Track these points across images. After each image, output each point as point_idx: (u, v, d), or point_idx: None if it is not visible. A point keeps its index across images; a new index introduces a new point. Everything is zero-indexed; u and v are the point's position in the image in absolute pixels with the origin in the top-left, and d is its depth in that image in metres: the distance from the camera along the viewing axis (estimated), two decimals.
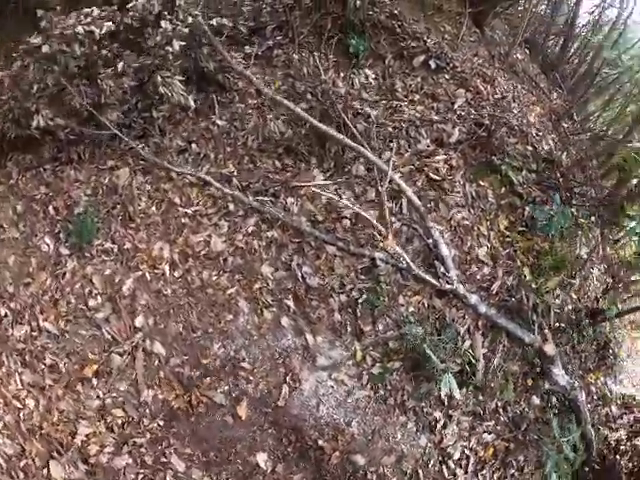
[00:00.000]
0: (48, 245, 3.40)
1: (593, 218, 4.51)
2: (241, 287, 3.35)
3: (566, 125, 5.28)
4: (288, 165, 4.01)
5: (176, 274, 3.33)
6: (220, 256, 3.51)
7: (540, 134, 4.75)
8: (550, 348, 3.39)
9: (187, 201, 3.69)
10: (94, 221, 3.47)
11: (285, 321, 3.31)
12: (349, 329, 3.38)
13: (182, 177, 3.76)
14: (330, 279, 3.50)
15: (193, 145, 4.06)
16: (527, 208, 4.12)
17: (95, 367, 3.06)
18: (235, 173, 3.88)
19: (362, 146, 3.76)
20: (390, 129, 4.15)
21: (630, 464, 3.66)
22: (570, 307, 3.95)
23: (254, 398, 3.22)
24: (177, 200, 3.68)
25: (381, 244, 3.52)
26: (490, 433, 3.47)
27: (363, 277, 3.52)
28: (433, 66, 4.66)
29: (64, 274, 3.29)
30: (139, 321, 3.13)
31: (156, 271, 3.32)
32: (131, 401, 3.07)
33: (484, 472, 3.41)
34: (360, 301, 3.42)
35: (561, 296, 3.90)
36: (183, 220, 3.58)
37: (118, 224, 3.53)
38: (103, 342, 3.13)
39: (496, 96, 4.71)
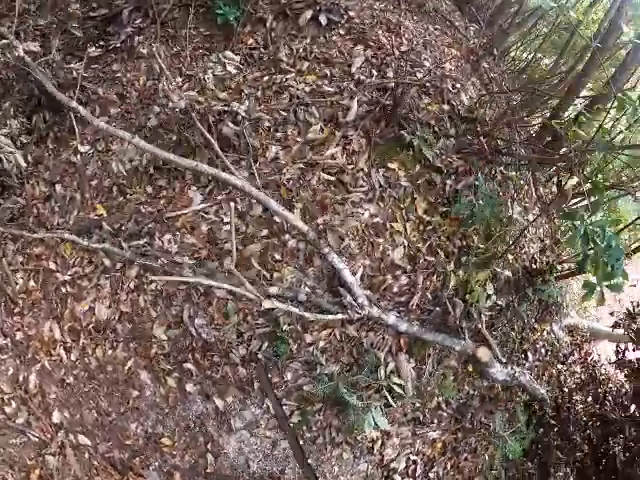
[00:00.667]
0: None
1: (524, 173, 3.89)
2: (138, 356, 2.90)
3: (487, 65, 4.34)
4: (161, 188, 3.28)
5: (73, 357, 2.91)
6: (108, 326, 3.00)
7: (458, 86, 3.83)
8: (483, 353, 2.91)
9: (62, 264, 3.12)
10: None
11: (190, 387, 2.89)
12: (256, 384, 2.90)
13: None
14: (226, 329, 2.93)
15: (57, 187, 3.37)
16: (448, 182, 3.37)
17: (37, 472, 2.83)
18: (104, 215, 3.23)
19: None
20: (275, 116, 3.27)
21: (589, 398, 3.32)
22: (507, 273, 3.44)
23: (185, 469, 2.94)
24: (52, 266, 3.13)
25: (276, 274, 2.89)
26: (435, 430, 3.18)
27: (261, 321, 2.92)
28: (324, 22, 3.69)
29: None
30: (56, 417, 2.81)
31: (54, 358, 2.92)
32: None
33: (434, 469, 3.17)
34: (262, 351, 2.86)
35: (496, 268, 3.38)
36: (63, 289, 3.05)
37: (3, 314, 3.06)
38: (33, 446, 2.83)
39: (403, 48, 3.78)
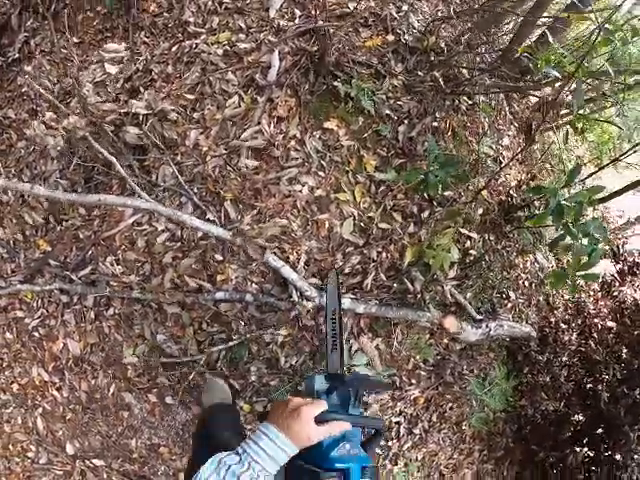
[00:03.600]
0: None
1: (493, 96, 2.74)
2: (117, 381, 2.51)
3: None
4: (93, 206, 2.48)
5: (65, 394, 2.57)
6: (83, 359, 2.54)
7: (405, 8, 2.55)
8: (450, 323, 2.24)
9: (28, 309, 2.60)
10: None
11: (170, 399, 2.48)
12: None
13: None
14: (185, 342, 2.32)
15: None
16: (401, 129, 2.36)
17: None
18: (49, 249, 2.52)
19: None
20: (189, 95, 2.36)
21: (573, 336, 2.72)
22: (480, 213, 2.62)
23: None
24: (20, 313, 2.61)
25: (220, 277, 2.18)
26: (415, 390, 2.65)
27: (216, 327, 2.27)
28: None
29: None
30: (69, 449, 2.59)
31: (49, 399, 2.60)
32: None
33: (419, 425, 2.68)
34: (221, 359, 2.31)
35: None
36: (36, 334, 2.59)
37: None
38: (60, 479, 2.68)
39: None
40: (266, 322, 2.14)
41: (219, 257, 2.22)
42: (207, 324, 2.22)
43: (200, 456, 0.88)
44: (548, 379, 2.51)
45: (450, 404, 2.72)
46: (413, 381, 2.62)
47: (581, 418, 2.45)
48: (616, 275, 2.61)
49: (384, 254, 2.25)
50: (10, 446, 2.74)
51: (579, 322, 2.77)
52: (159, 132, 2.27)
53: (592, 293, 2.94)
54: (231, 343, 2.12)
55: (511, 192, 2.85)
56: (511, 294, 2.82)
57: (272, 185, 2.25)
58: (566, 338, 2.63)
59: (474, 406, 2.60)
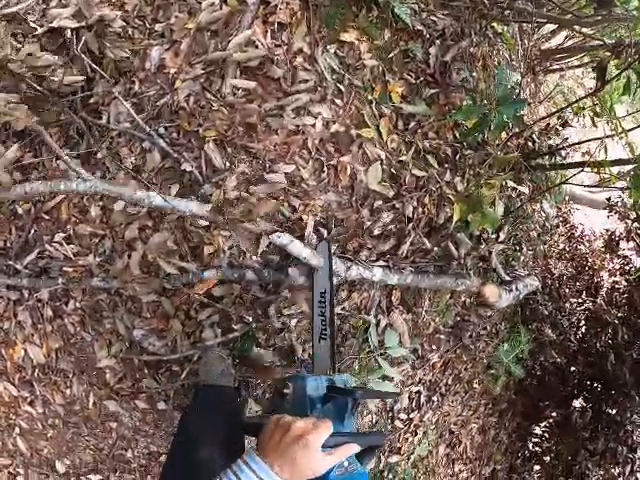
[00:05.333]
0: None
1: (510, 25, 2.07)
2: (96, 387, 1.91)
3: None
4: (30, 167, 1.61)
5: (39, 409, 2.00)
6: (50, 367, 1.90)
7: None
8: (491, 292, 1.76)
9: None
10: None
11: (162, 405, 1.95)
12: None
13: None
14: (172, 337, 1.68)
15: None
16: (432, 51, 1.66)
17: None
18: (7, 244, 1.74)
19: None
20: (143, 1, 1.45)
21: (583, 294, 2.51)
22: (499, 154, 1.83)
23: None
24: None
25: (208, 249, 1.44)
26: (434, 354, 2.23)
27: (208, 313, 1.62)
28: None
29: None
30: (60, 467, 2.07)
31: (25, 416, 2.01)
32: None
33: (437, 391, 2.34)
34: (218, 353, 1.62)
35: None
36: None
37: None
38: None
39: None
40: (275, 304, 1.45)
41: (203, 222, 1.47)
42: (196, 311, 1.48)
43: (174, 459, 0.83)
44: (555, 336, 2.14)
45: (465, 365, 2.27)
46: (433, 347, 2.07)
47: (585, 376, 2.16)
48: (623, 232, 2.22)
49: (420, 209, 1.60)
50: None
51: (585, 278, 2.41)
52: (103, 52, 1.38)
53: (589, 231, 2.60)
54: (232, 335, 1.42)
55: (533, 136, 2.27)
56: (523, 246, 2.34)
57: (272, 118, 1.45)
58: (571, 295, 2.27)
59: (494, 369, 2.19)
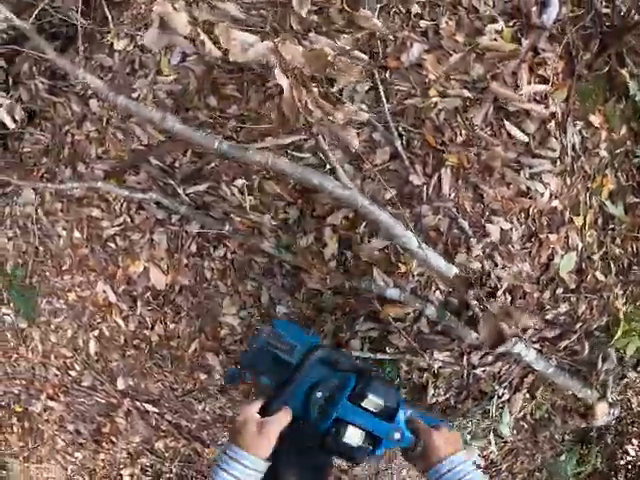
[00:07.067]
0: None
1: None
2: (205, 337, 1.70)
3: None
4: (232, 97, 1.39)
5: (131, 327, 1.78)
6: (165, 297, 1.68)
7: None
8: (602, 410, 1.58)
9: (107, 209, 1.65)
10: (29, 283, 1.89)
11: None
12: None
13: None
14: (313, 329, 1.47)
15: (91, 103, 1.69)
16: None
17: (108, 427, 2.17)
18: (175, 164, 1.57)
19: None
20: None
21: None
22: None
23: None
24: (96, 212, 1.68)
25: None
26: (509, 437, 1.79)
27: (369, 326, 1.38)
28: None
29: (35, 348, 2.03)
30: (120, 384, 1.89)
31: (111, 325, 1.82)
32: (146, 450, 2.23)
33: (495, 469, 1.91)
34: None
35: None
36: (112, 244, 1.68)
37: (52, 274, 1.86)
38: (102, 407, 2.07)
39: None
40: (434, 345, 1.29)
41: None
42: (353, 320, 1.32)
43: None
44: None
45: (528, 459, 2.14)
46: (514, 431, 1.96)
47: None
48: None
49: (588, 311, 1.45)
50: (52, 356, 2.00)
51: None
52: None
53: None
54: (380, 356, 1.26)
55: None
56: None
57: (510, 170, 1.30)
58: None
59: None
